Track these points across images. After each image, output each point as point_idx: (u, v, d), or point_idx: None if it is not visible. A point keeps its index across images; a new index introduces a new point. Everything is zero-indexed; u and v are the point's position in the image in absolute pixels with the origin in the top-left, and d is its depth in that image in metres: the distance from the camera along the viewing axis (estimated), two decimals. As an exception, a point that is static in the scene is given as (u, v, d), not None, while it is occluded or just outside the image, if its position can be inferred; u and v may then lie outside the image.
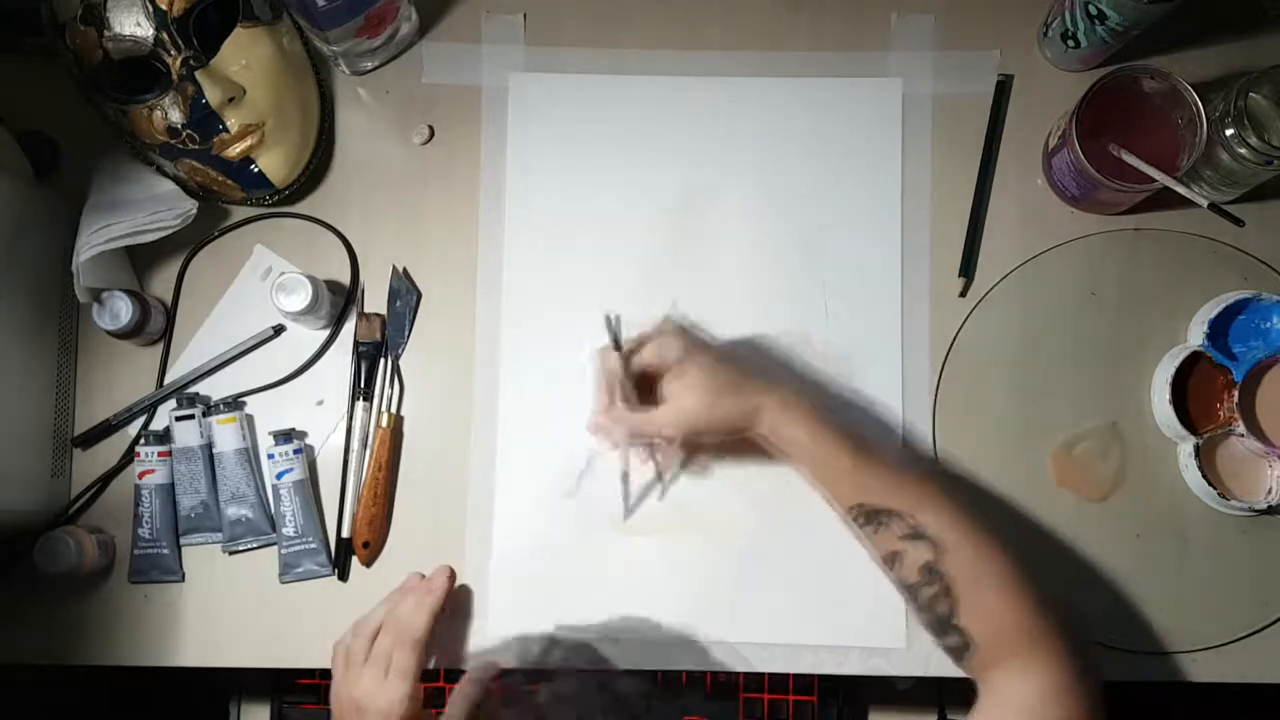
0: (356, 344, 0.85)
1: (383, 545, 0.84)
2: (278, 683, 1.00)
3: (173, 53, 0.77)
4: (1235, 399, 0.80)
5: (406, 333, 0.86)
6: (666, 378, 0.75)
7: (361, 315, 0.85)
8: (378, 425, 0.84)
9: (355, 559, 0.83)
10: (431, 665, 0.82)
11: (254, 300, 0.86)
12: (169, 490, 0.83)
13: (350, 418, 0.85)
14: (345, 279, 0.87)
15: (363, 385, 0.84)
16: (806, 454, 0.74)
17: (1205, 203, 0.78)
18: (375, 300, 0.86)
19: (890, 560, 0.70)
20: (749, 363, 0.78)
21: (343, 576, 0.83)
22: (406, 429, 0.85)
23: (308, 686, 0.98)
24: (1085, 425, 0.84)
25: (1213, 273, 0.84)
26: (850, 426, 0.74)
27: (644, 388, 0.77)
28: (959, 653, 0.68)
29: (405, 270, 0.86)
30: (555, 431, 0.84)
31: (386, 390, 0.85)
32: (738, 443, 0.76)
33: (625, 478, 0.82)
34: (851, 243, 0.86)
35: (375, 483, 0.83)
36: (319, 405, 0.86)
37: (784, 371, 0.84)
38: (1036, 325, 0.85)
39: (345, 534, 0.83)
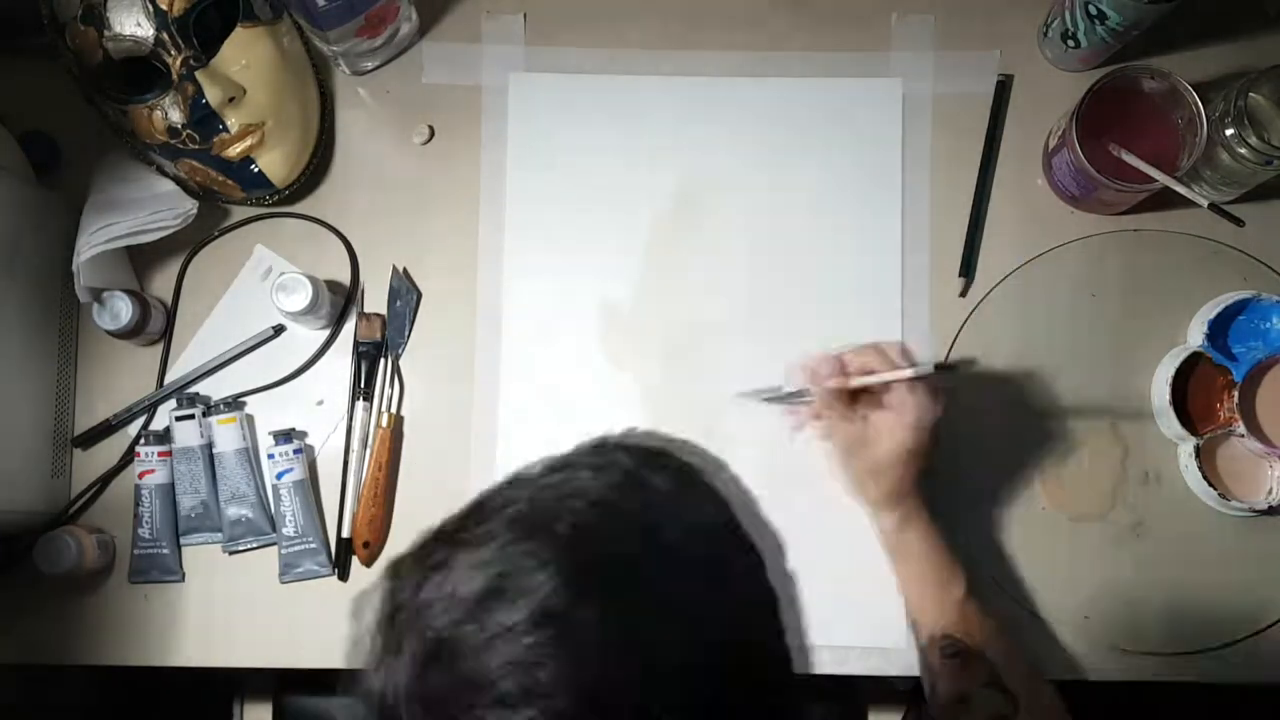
0: (356, 344, 0.85)
1: (383, 545, 0.84)
2: (281, 682, 1.01)
3: (173, 53, 0.77)
4: (1235, 399, 0.80)
5: (406, 333, 0.86)
6: (883, 410, 0.72)
7: (361, 315, 0.85)
8: (378, 425, 0.84)
9: (355, 559, 0.83)
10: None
11: (254, 300, 0.86)
12: (169, 490, 0.83)
13: (350, 418, 0.85)
14: (345, 279, 0.87)
15: (363, 385, 0.84)
16: (923, 567, 0.73)
17: (1205, 203, 0.78)
18: (375, 300, 0.86)
19: (958, 699, 0.69)
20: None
21: (343, 576, 0.83)
22: (406, 429, 0.85)
23: (309, 683, 0.98)
24: (1079, 435, 0.84)
25: (1213, 273, 0.84)
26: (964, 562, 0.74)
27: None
28: None
29: (405, 270, 0.86)
30: (555, 431, 0.84)
31: (386, 390, 0.85)
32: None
33: (781, 395, 0.79)
34: (851, 243, 0.86)
35: (375, 483, 0.83)
36: (319, 405, 0.86)
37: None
38: (1036, 325, 0.85)
39: (345, 534, 0.83)
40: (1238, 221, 0.77)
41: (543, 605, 0.41)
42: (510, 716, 0.40)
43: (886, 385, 0.71)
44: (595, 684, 0.40)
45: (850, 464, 0.74)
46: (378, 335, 0.85)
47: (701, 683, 0.42)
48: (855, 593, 0.82)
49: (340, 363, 0.86)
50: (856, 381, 0.72)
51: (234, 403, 0.85)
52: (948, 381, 0.73)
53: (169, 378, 0.86)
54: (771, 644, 0.47)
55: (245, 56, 0.80)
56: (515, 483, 0.49)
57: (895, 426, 0.71)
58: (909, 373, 0.70)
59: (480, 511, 0.47)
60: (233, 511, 0.83)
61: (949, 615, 0.72)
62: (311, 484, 0.84)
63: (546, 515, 0.45)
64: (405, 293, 0.86)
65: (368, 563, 0.83)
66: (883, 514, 0.75)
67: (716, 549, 0.47)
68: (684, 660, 0.42)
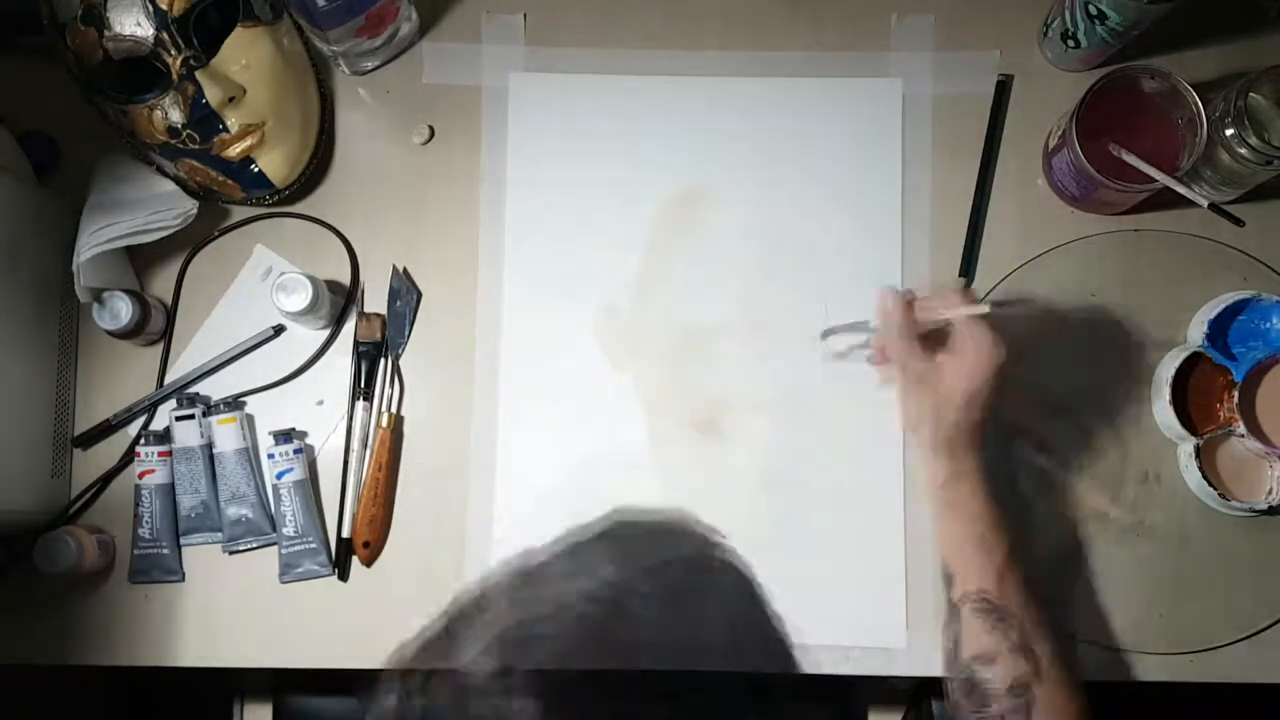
0: (356, 344, 0.85)
1: (383, 545, 0.84)
2: (281, 682, 1.01)
3: (173, 53, 0.77)
4: (1235, 399, 0.80)
5: (406, 333, 0.86)
6: (946, 352, 0.74)
7: (361, 315, 0.85)
8: (378, 425, 0.84)
9: (355, 559, 0.83)
10: (430, 665, 0.82)
11: (254, 300, 0.86)
12: (169, 490, 0.83)
13: (350, 418, 0.85)
14: (345, 279, 0.87)
15: (363, 385, 0.84)
16: (968, 526, 0.73)
17: (1205, 203, 0.78)
18: (375, 300, 0.86)
19: (983, 660, 0.69)
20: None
21: (343, 576, 0.83)
22: (406, 429, 0.85)
23: (309, 683, 0.98)
24: (1079, 435, 0.84)
25: (1213, 273, 0.84)
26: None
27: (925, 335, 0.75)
28: None
29: (405, 270, 0.86)
30: (555, 431, 0.85)
31: (386, 390, 0.85)
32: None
33: (848, 325, 0.82)
34: (851, 243, 0.86)
35: (375, 483, 0.83)
36: (319, 405, 0.86)
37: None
38: (1036, 326, 0.85)
39: (345, 534, 0.83)
40: (1238, 221, 0.77)
41: None
42: None
43: (951, 328, 0.73)
44: None
45: (915, 398, 0.75)
46: (378, 335, 0.85)
47: None
48: (855, 593, 0.82)
49: (340, 363, 0.86)
50: (921, 317, 0.73)
51: (234, 403, 0.85)
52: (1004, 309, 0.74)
53: (169, 378, 0.86)
54: None
55: (245, 56, 0.80)
56: None
57: (964, 368, 0.72)
58: (969, 309, 0.72)
59: None
60: (233, 511, 0.83)
61: (987, 577, 0.72)
62: (311, 484, 0.84)
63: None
64: (405, 293, 0.86)
65: (368, 562, 0.83)
66: (936, 461, 0.75)
67: None
68: None
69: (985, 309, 0.71)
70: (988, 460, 0.75)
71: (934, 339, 0.75)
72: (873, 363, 0.82)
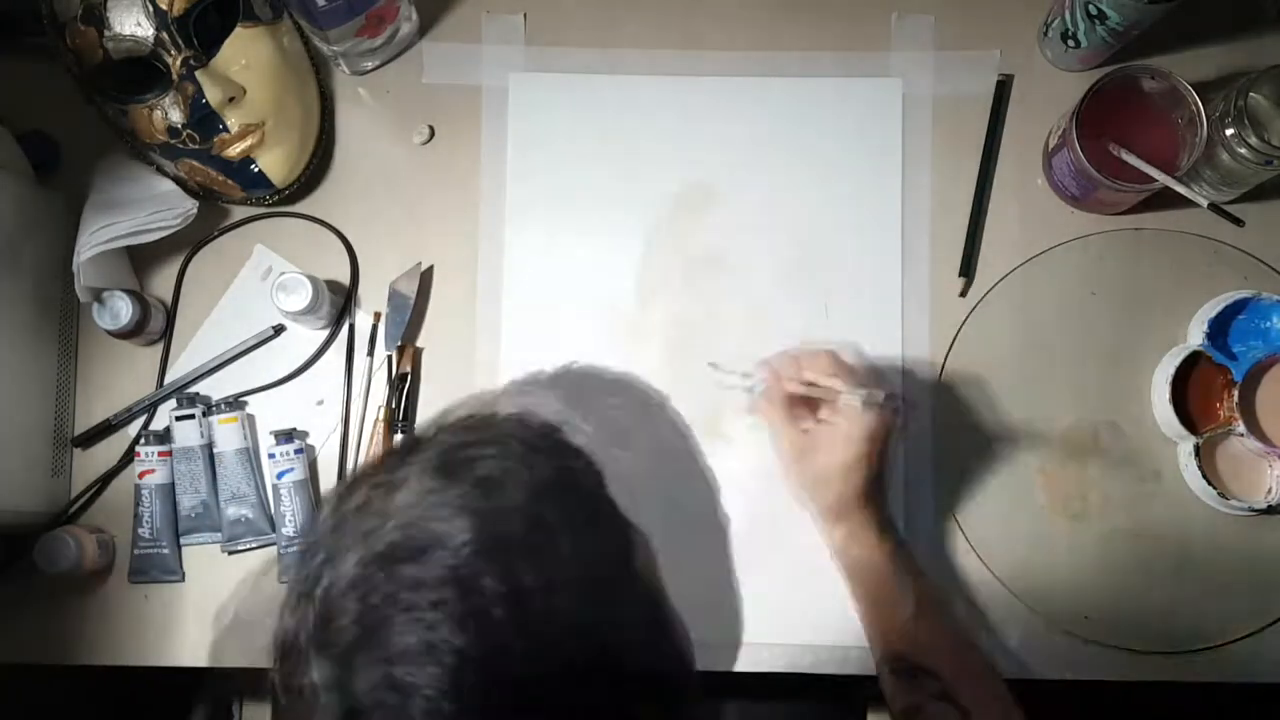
0: (392, 375, 0.84)
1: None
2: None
3: (173, 52, 0.77)
4: (1235, 399, 0.80)
5: (407, 332, 0.85)
6: (827, 411, 0.72)
7: (400, 346, 0.84)
8: (376, 422, 0.84)
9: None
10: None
11: (254, 300, 0.86)
12: (169, 490, 0.83)
13: (346, 420, 0.84)
14: (345, 279, 0.87)
15: (400, 419, 0.84)
16: (870, 585, 0.72)
17: (1205, 203, 0.78)
18: (375, 300, 0.86)
19: (909, 713, 0.68)
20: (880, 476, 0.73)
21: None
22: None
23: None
24: (1080, 435, 0.84)
25: (1213, 273, 0.84)
26: (922, 576, 0.73)
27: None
28: None
29: (409, 270, 0.86)
30: (555, 431, 0.84)
31: (384, 389, 0.85)
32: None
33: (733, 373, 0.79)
34: (851, 243, 0.86)
35: (375, 482, 0.83)
36: (319, 405, 0.86)
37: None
38: (1036, 325, 0.85)
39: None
40: (1238, 221, 0.78)
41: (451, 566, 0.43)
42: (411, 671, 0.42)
43: (836, 393, 0.71)
44: (487, 650, 0.43)
45: (793, 472, 0.74)
46: (409, 367, 0.84)
47: (573, 672, 0.45)
48: (855, 593, 0.82)
49: (341, 363, 0.86)
50: (793, 388, 0.72)
51: (235, 402, 0.85)
52: (897, 404, 0.72)
53: (169, 378, 0.86)
54: (648, 638, 0.49)
55: (245, 56, 0.80)
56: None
57: (838, 439, 0.70)
58: (854, 397, 0.69)
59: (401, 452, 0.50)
60: (233, 511, 0.83)
61: (898, 634, 0.70)
62: (312, 484, 0.84)
63: (462, 464, 0.48)
64: (406, 292, 0.85)
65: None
66: (827, 528, 0.74)
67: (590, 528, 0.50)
68: (561, 642, 0.45)
69: (877, 397, 0.69)
70: (886, 509, 0.73)
71: (819, 403, 0.73)
72: (752, 413, 0.79)
